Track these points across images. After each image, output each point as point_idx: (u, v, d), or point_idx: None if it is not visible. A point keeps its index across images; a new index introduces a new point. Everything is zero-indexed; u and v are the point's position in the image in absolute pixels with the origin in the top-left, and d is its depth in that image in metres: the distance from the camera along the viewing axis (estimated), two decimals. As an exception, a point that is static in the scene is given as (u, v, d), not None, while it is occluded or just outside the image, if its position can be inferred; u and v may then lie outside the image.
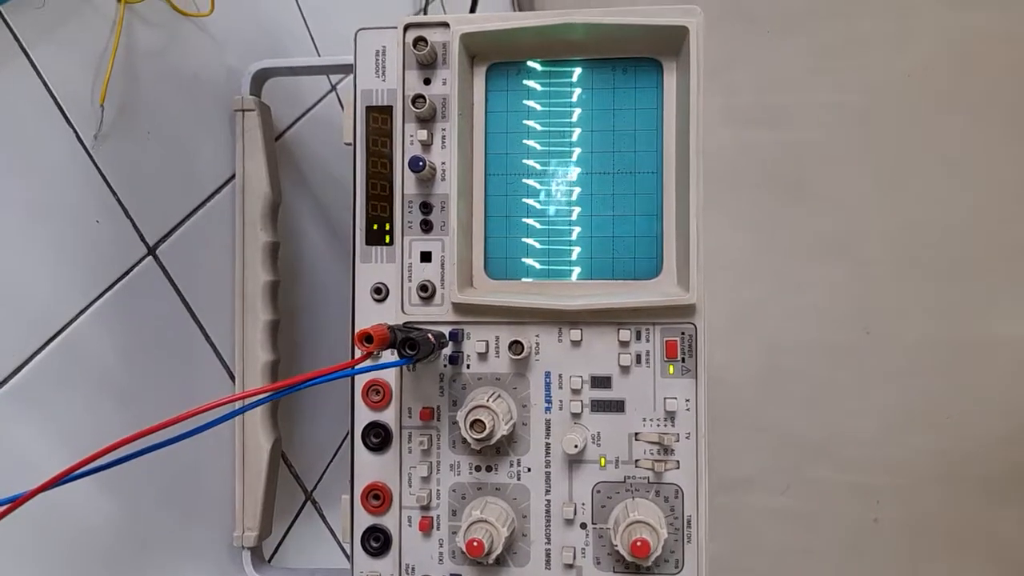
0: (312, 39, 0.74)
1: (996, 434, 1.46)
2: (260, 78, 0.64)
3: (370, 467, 0.54)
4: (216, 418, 0.42)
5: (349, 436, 0.55)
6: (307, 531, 0.74)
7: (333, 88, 0.79)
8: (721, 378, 1.43)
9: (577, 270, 0.52)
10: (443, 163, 0.52)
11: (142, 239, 0.57)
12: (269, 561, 0.68)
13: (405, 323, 0.50)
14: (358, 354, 0.44)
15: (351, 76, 0.55)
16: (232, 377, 0.64)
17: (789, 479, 1.54)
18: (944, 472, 1.50)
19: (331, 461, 0.77)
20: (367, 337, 0.42)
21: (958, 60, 1.35)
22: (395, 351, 0.45)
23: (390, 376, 0.54)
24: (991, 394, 1.46)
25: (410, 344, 0.43)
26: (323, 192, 0.74)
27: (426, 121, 0.52)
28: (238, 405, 0.43)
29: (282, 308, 0.66)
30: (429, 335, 0.46)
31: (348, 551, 0.55)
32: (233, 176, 0.65)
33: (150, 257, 0.58)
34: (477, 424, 0.47)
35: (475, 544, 0.47)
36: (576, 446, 0.49)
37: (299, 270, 0.72)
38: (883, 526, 1.58)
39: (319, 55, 0.74)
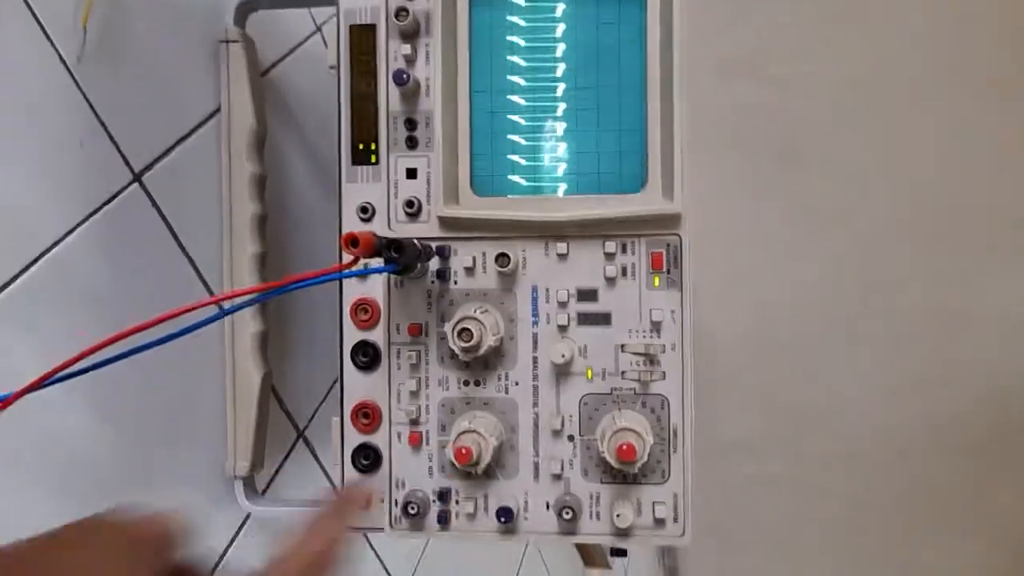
0: (296, -28, 0.74)
1: (987, 400, 1.47)
2: (244, 10, 0.64)
3: (359, 386, 0.55)
4: (201, 320, 0.42)
5: (338, 355, 0.55)
6: (299, 468, 0.75)
7: (318, 29, 0.79)
8: (715, 345, 1.44)
9: (563, 186, 0.52)
10: (427, 78, 0.52)
11: (127, 165, 0.57)
12: (262, 495, 0.68)
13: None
14: (346, 260, 0.44)
15: (335, 10, 0.54)
16: (221, 308, 0.64)
17: (782, 447, 1.56)
18: (936, 440, 1.51)
19: (323, 400, 0.77)
20: (353, 240, 0.43)
21: (958, 29, 1.35)
22: (381, 259, 0.45)
23: (378, 294, 0.54)
24: (983, 362, 1.47)
25: (396, 247, 0.43)
26: (309, 129, 0.74)
27: (410, 36, 0.52)
28: (227, 305, 0.43)
29: (270, 241, 0.66)
30: (415, 241, 0.46)
31: (340, 472, 0.56)
32: (218, 109, 0.65)
33: (136, 184, 0.58)
34: (465, 333, 0.48)
35: (463, 451, 0.47)
36: (563, 356, 0.49)
37: (287, 204, 0.72)
38: (876, 494, 1.60)
39: (303, -13, 0.74)
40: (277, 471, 0.72)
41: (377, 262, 0.45)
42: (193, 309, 0.42)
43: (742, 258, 1.41)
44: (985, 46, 1.35)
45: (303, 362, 0.75)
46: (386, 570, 0.85)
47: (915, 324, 1.42)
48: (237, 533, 0.66)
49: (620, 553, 1.09)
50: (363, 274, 0.48)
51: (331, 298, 0.56)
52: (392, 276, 0.52)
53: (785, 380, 1.49)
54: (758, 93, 1.33)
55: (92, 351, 0.41)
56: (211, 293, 0.64)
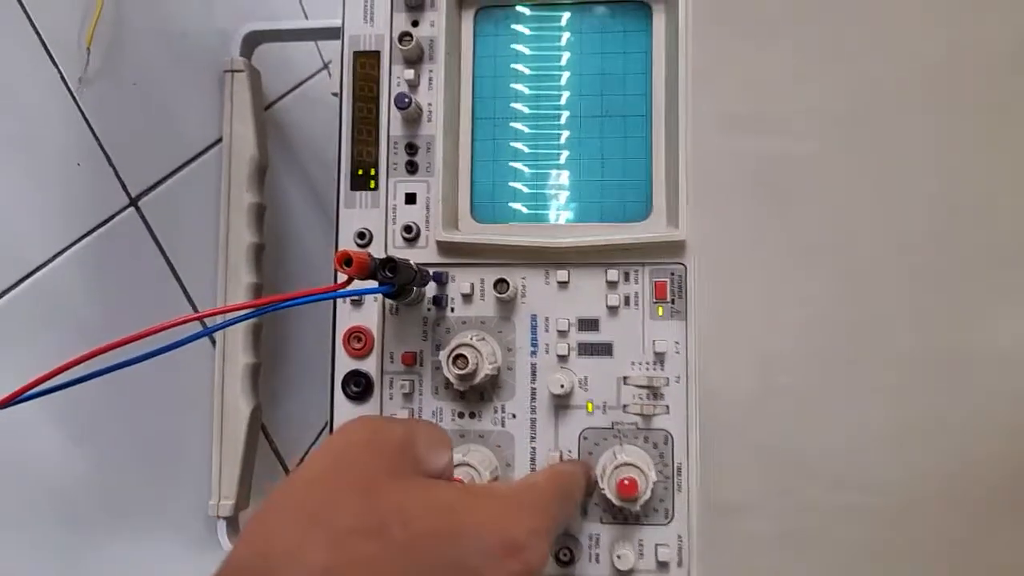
0: (303, 8, 0.75)
1: (992, 449, 1.43)
2: (251, 41, 0.64)
3: (350, 418, 0.52)
4: (184, 338, 0.41)
5: (329, 385, 0.53)
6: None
7: (325, 66, 0.79)
8: (712, 393, 1.42)
9: (565, 214, 0.51)
10: (429, 104, 0.51)
11: (124, 189, 0.57)
12: (246, 538, 0.65)
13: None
14: (340, 281, 0.43)
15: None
16: (212, 340, 0.63)
17: (782, 500, 1.51)
18: (942, 489, 1.46)
19: (315, 440, 0.75)
20: (347, 259, 0.41)
21: (944, 65, 1.36)
22: (376, 281, 0.43)
23: (372, 323, 0.52)
24: (990, 404, 1.43)
25: (390, 267, 0.42)
26: (310, 164, 0.74)
27: (413, 62, 0.51)
28: (218, 321, 0.41)
29: (266, 272, 0.64)
30: (410, 262, 0.45)
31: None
32: (220, 140, 0.65)
33: (132, 208, 0.57)
34: (460, 360, 0.46)
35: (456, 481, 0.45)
36: (562, 386, 0.47)
37: (285, 236, 0.71)
38: (880, 547, 1.54)
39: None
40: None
41: (373, 286, 0.44)
42: (176, 325, 0.40)
43: (737, 303, 1.39)
44: (979, 79, 1.35)
45: (295, 400, 0.73)
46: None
47: (914, 365, 1.39)
48: None
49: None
50: (356, 295, 0.46)
51: (326, 333, 0.55)
52: (387, 303, 0.50)
53: (783, 430, 1.45)
54: (748, 135, 1.34)
55: (69, 366, 0.39)
56: (201, 320, 0.62)
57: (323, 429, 0.72)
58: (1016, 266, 1.38)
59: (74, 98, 0.53)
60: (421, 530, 0.30)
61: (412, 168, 0.51)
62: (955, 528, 1.56)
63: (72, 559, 0.52)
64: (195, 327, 0.41)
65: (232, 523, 0.61)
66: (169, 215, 0.59)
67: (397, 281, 0.43)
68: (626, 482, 0.44)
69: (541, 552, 0.33)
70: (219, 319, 0.43)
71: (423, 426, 0.37)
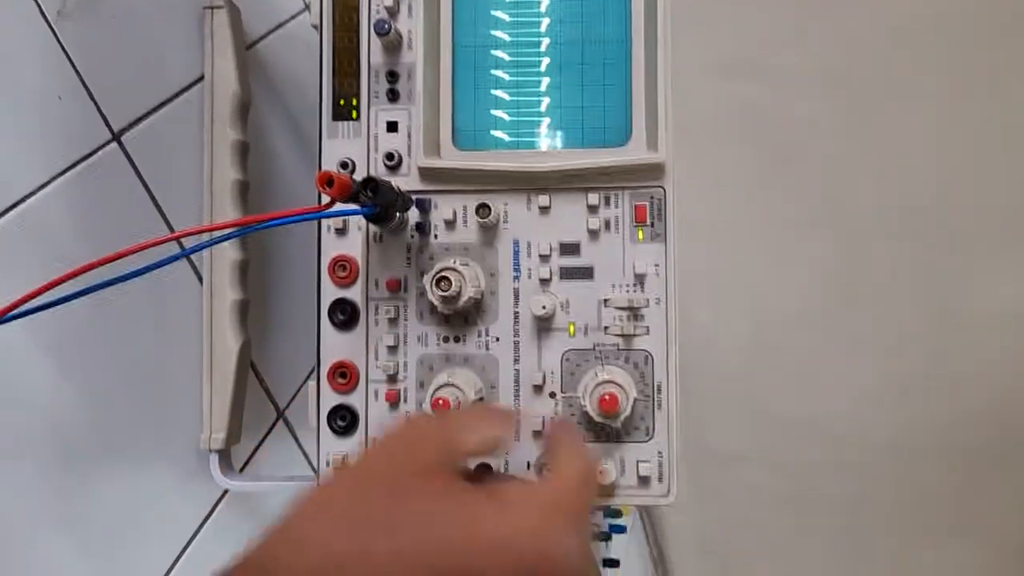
0: (284, -56, 0.74)
1: (984, 402, 1.45)
2: (230, -23, 0.64)
3: (336, 345, 0.53)
4: (162, 259, 0.41)
5: (316, 313, 0.54)
6: (278, 449, 0.73)
7: (307, 7, 0.78)
8: (705, 349, 1.42)
9: (546, 141, 0.51)
10: (409, 31, 0.51)
11: (106, 123, 0.57)
12: (240, 472, 0.66)
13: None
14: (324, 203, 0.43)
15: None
16: (199, 277, 0.63)
17: (774, 456, 1.53)
18: (932, 446, 1.49)
19: (305, 380, 0.76)
20: (328, 180, 0.42)
21: (943, 23, 1.36)
22: (357, 203, 0.44)
23: (357, 252, 0.53)
24: (978, 366, 1.45)
25: (372, 187, 0.42)
26: (294, 103, 0.74)
27: (393, -12, 0.51)
28: (205, 238, 0.42)
29: (251, 209, 0.65)
30: (392, 184, 0.45)
31: (316, 435, 0.54)
32: (202, 77, 0.64)
33: (115, 143, 0.57)
34: (443, 282, 0.47)
35: (441, 403, 0.46)
36: (544, 307, 0.48)
37: (269, 175, 0.71)
38: (871, 501, 1.57)
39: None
40: (255, 451, 0.70)
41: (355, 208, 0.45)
42: (154, 245, 0.41)
43: (733, 259, 1.40)
44: (977, 41, 1.35)
45: (285, 340, 0.74)
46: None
47: (908, 325, 1.40)
48: (213, 509, 0.64)
49: (612, 564, 1.07)
50: (338, 215, 0.47)
51: (313, 271, 0.55)
52: (371, 230, 0.51)
53: (776, 386, 1.47)
54: (743, 85, 1.33)
55: (52, 285, 0.40)
56: (191, 264, 0.62)
57: (312, 369, 0.74)
58: (1009, 228, 1.38)
59: (53, 31, 0.53)
60: (439, 536, 0.32)
61: (393, 96, 0.52)
62: (947, 480, 1.58)
63: (66, 494, 0.53)
64: (175, 248, 0.42)
65: (224, 456, 0.62)
66: (153, 151, 0.59)
67: (379, 202, 0.44)
68: (607, 397, 0.45)
69: (572, 562, 0.33)
70: (204, 239, 0.44)
71: (462, 415, 0.41)
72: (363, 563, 0.31)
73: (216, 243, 0.41)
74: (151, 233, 0.60)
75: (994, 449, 1.45)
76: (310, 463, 0.76)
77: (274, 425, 0.73)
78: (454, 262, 0.48)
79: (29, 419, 0.51)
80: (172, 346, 0.62)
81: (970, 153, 1.33)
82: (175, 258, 0.41)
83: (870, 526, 1.52)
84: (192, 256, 0.64)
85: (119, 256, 0.39)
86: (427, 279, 0.47)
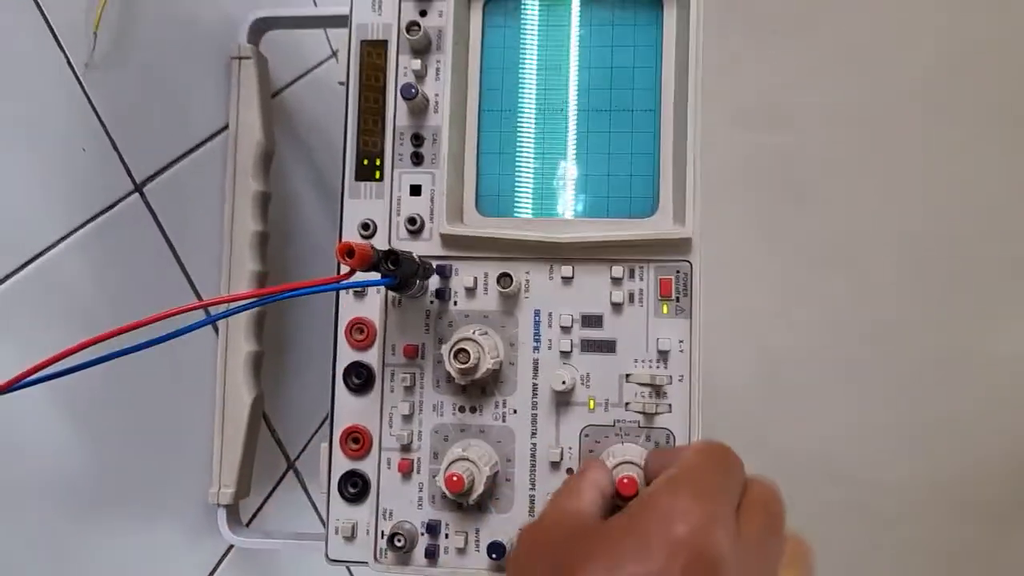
0: (313, -4, 0.75)
1: (995, 450, 1.42)
2: (258, 28, 0.64)
3: (350, 409, 0.52)
4: (187, 326, 0.41)
5: (330, 376, 0.53)
6: (287, 501, 0.72)
7: (333, 54, 0.79)
8: (719, 388, 1.40)
9: (571, 209, 0.50)
10: (436, 95, 0.51)
11: (129, 175, 0.56)
12: (246, 527, 0.65)
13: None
14: (343, 271, 0.43)
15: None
16: (216, 328, 0.63)
17: (784, 493, 1.50)
18: (943, 492, 1.46)
19: (316, 431, 0.75)
20: (349, 251, 0.41)
21: (960, 66, 1.35)
22: (378, 272, 0.43)
23: (375, 314, 0.52)
24: (992, 408, 1.42)
25: (393, 259, 0.42)
26: (317, 152, 0.74)
27: (420, 52, 0.51)
28: (221, 309, 0.41)
29: (270, 261, 0.64)
30: (413, 255, 0.44)
31: (326, 500, 0.53)
32: (226, 127, 0.64)
33: (136, 194, 0.57)
34: (462, 354, 0.46)
35: (455, 479, 0.45)
36: (564, 382, 0.47)
37: (289, 225, 0.70)
38: (883, 551, 1.53)
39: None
40: (264, 503, 0.69)
41: (375, 278, 0.44)
42: (180, 312, 0.40)
43: (745, 299, 1.38)
44: (998, 85, 1.34)
45: (297, 391, 0.73)
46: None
47: (921, 367, 1.38)
48: (218, 565, 0.63)
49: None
50: (358, 286, 0.46)
51: (329, 323, 0.54)
52: (390, 295, 0.50)
53: (787, 423, 1.45)
54: (763, 132, 1.33)
55: (72, 351, 0.39)
56: (206, 309, 0.62)
57: (324, 419, 0.72)
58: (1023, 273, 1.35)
59: (80, 83, 0.53)
60: (589, 568, 0.32)
61: (417, 159, 0.51)
62: (956, 530, 1.54)
63: (70, 546, 0.52)
64: (198, 315, 0.41)
65: (232, 511, 0.61)
66: (174, 202, 0.59)
67: (400, 273, 0.43)
68: (625, 480, 0.43)
69: (715, 541, 0.32)
70: (223, 308, 0.43)
71: (561, 487, 0.40)
72: None
73: (239, 311, 0.41)
74: (170, 285, 0.60)
75: (1008, 498, 1.41)
76: (319, 516, 0.74)
77: (284, 476, 0.72)
78: (473, 332, 0.47)
79: (35, 469, 0.50)
80: (184, 397, 0.62)
81: (985, 196, 1.32)
82: (199, 325, 0.40)
83: (876, 572, 1.49)
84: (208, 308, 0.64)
85: (143, 324, 0.39)
86: (445, 349, 0.46)
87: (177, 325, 0.41)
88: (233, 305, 0.41)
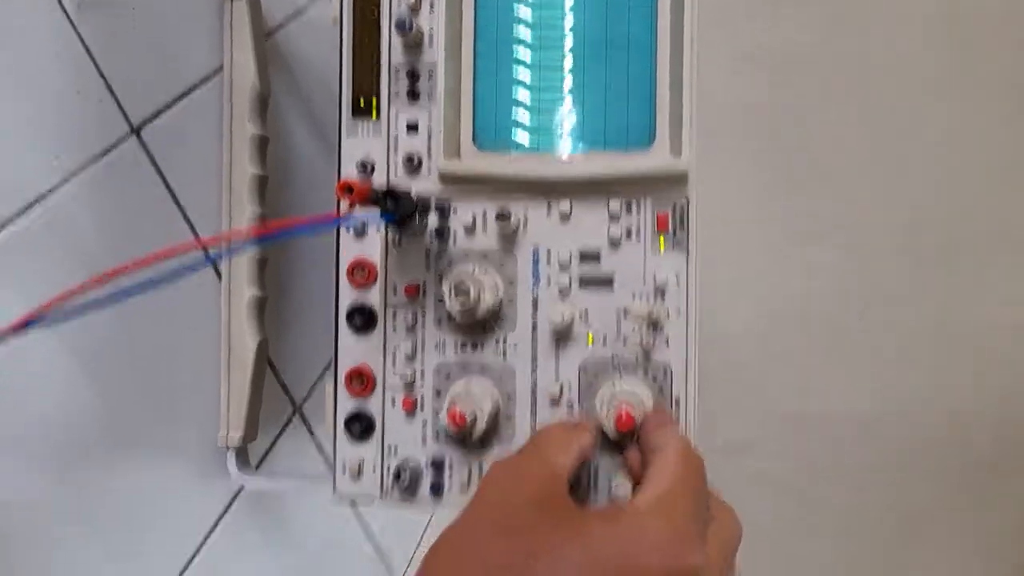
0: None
1: (986, 417, 1.43)
2: (250, -32, 0.63)
3: (354, 350, 0.53)
4: (186, 266, 0.41)
5: (333, 318, 0.53)
6: (294, 445, 0.73)
7: (328, -4, 0.77)
8: (715, 341, 1.41)
9: (568, 142, 0.50)
10: (431, 28, 0.50)
11: (125, 118, 0.56)
12: (256, 469, 0.67)
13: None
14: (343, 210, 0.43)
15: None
16: (218, 273, 0.63)
17: (779, 450, 1.52)
18: (934, 455, 1.48)
19: (321, 375, 0.76)
20: (348, 188, 0.41)
21: (964, 37, 1.33)
22: (377, 208, 0.43)
23: (375, 255, 0.52)
24: (983, 376, 1.43)
25: (391, 196, 0.42)
26: (313, 94, 0.73)
27: (414, -14, 0.50)
28: (222, 248, 0.41)
29: (269, 204, 0.64)
30: (411, 193, 0.44)
31: (332, 439, 0.54)
32: (221, 68, 0.64)
33: (134, 137, 0.57)
34: (462, 291, 0.46)
35: (457, 416, 0.45)
36: (563, 316, 0.47)
37: (288, 168, 0.70)
38: (873, 506, 1.56)
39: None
40: (272, 446, 0.71)
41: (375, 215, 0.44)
42: (178, 252, 0.40)
43: (745, 263, 1.38)
44: (997, 56, 1.32)
45: (301, 336, 0.73)
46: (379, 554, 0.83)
47: (914, 334, 1.39)
48: (229, 506, 0.65)
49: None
50: (358, 222, 0.46)
51: (331, 268, 0.54)
52: (390, 235, 0.50)
53: (785, 383, 1.46)
54: (761, 93, 1.31)
55: (71, 294, 0.39)
56: (204, 248, 0.62)
57: (328, 364, 0.73)
58: (1019, 241, 1.35)
59: (73, 24, 0.52)
60: (560, 562, 0.33)
61: (414, 96, 0.50)
62: (949, 489, 1.56)
63: (80, 483, 0.53)
64: (197, 255, 0.41)
65: (241, 453, 0.62)
66: (172, 145, 0.59)
67: (398, 211, 0.43)
68: (624, 415, 0.44)
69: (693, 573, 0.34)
70: (223, 246, 0.43)
71: (550, 434, 0.42)
72: None
73: (239, 250, 0.41)
74: (170, 228, 0.60)
75: (996, 460, 1.43)
76: (325, 459, 0.76)
77: (290, 420, 0.73)
78: (473, 270, 0.47)
79: (44, 412, 0.51)
80: (189, 343, 0.62)
81: (981, 166, 1.31)
82: (199, 266, 0.40)
83: (870, 528, 1.52)
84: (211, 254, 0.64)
85: (142, 264, 0.39)
86: (445, 288, 0.46)
87: (178, 269, 0.42)
88: (233, 244, 0.41)
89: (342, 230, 0.53)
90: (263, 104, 0.64)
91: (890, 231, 1.35)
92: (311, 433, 0.75)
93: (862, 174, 1.33)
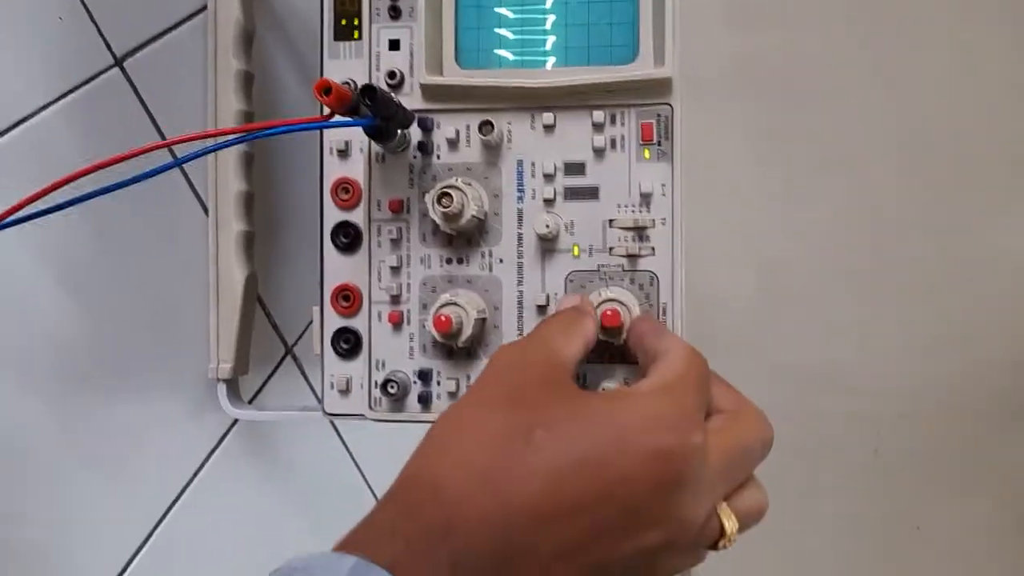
0: None
1: (1002, 357, 1.43)
2: (232, -99, 0.63)
3: (339, 269, 0.53)
4: (154, 168, 0.41)
5: (319, 238, 0.53)
6: (286, 386, 0.73)
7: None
8: (720, 301, 1.41)
9: (552, 59, 0.50)
10: (412, -56, 0.50)
11: (108, 48, 0.56)
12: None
13: (371, 99, 0.48)
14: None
15: None
16: (205, 208, 0.63)
17: (787, 409, 1.52)
18: (948, 399, 1.47)
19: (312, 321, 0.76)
20: (326, 88, 0.41)
21: None
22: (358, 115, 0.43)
23: (359, 174, 0.52)
24: (998, 314, 1.42)
25: (370, 94, 0.42)
26: (297, 33, 0.73)
27: (394, -99, 0.50)
28: (205, 144, 0.41)
29: (257, 143, 0.64)
30: (391, 95, 0.44)
31: (320, 359, 0.54)
32: (205, 7, 0.64)
33: (117, 68, 0.57)
34: (445, 198, 0.46)
35: (443, 319, 0.46)
36: (547, 226, 0.47)
37: (273, 105, 0.70)
38: (884, 458, 1.56)
39: None
40: (263, 385, 0.71)
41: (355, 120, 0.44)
42: (146, 151, 0.40)
43: (743, 210, 1.38)
44: None
45: (292, 277, 0.73)
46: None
47: (924, 273, 1.38)
48: (222, 440, 0.65)
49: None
50: (337, 126, 0.46)
51: (313, 192, 0.55)
52: (373, 150, 0.50)
53: (789, 338, 1.45)
54: (760, 34, 1.30)
55: (41, 194, 0.40)
56: (193, 188, 0.62)
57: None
58: None
59: (52, -50, 0.52)
60: (563, 434, 0.33)
61: (395, 13, 0.51)
62: (963, 435, 1.55)
63: (72, 409, 0.54)
64: (164, 154, 0.42)
65: (232, 386, 0.63)
66: (156, 79, 0.59)
67: (379, 113, 0.43)
68: (609, 312, 0.44)
69: (691, 456, 0.34)
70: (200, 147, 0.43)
71: (553, 323, 0.42)
72: (503, 473, 0.32)
73: (215, 150, 0.41)
74: (153, 159, 0.60)
75: (1012, 404, 1.43)
76: (317, 398, 0.76)
77: (282, 361, 0.73)
78: (456, 180, 0.47)
79: (35, 340, 0.51)
80: (180, 278, 0.62)
81: (988, 91, 1.29)
82: (168, 167, 0.40)
83: (883, 480, 1.51)
84: (198, 189, 0.64)
85: (113, 162, 0.39)
86: (429, 196, 0.47)
87: (151, 169, 0.42)
88: (209, 144, 0.41)
89: (325, 150, 0.53)
90: (248, 40, 0.64)
91: (893, 163, 1.33)
92: (304, 374, 0.75)
93: (860, 105, 1.32)
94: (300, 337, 0.75)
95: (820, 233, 1.42)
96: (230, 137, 0.41)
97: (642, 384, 0.38)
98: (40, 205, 0.39)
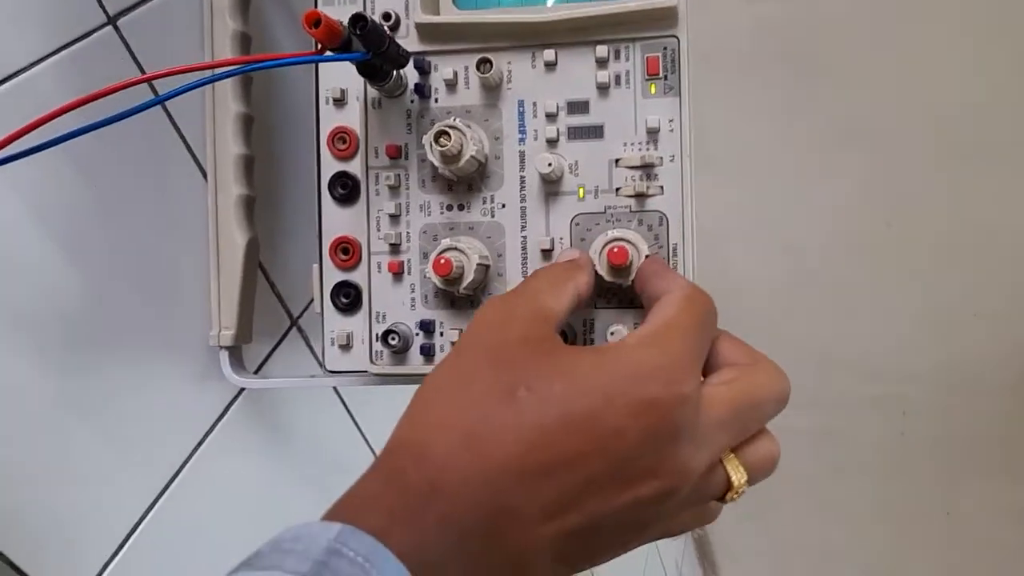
0: None
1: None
2: None
3: (338, 221, 0.51)
4: (136, 106, 0.39)
5: (316, 189, 0.52)
6: (291, 358, 0.72)
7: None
8: (739, 283, 1.38)
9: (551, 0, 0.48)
10: None
11: (101, 6, 0.55)
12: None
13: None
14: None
15: None
16: (203, 172, 0.62)
17: (812, 393, 1.48)
18: (973, 378, 1.43)
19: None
20: (315, 20, 0.40)
21: None
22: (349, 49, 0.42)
23: (356, 123, 0.51)
24: (1020, 288, 1.38)
25: (360, 24, 0.40)
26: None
27: None
28: (202, 75, 0.40)
29: (254, 102, 0.63)
30: (384, 29, 0.43)
31: (320, 316, 0.53)
32: (201, -33, 0.62)
33: (110, 27, 0.55)
34: (443, 137, 0.44)
35: (442, 262, 0.44)
36: (550, 164, 0.45)
37: (271, 71, 0.69)
38: (910, 440, 1.52)
39: None
40: (268, 356, 0.69)
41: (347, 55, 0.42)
42: (124, 87, 0.39)
43: (764, 191, 1.35)
44: None
45: (296, 249, 0.72)
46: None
47: (948, 249, 1.34)
48: (227, 409, 0.64)
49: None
50: (328, 60, 0.44)
51: (311, 147, 0.53)
52: (369, 95, 0.49)
53: (812, 319, 1.42)
54: (777, 9, 1.27)
55: (20, 134, 0.38)
56: (189, 149, 0.61)
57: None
58: None
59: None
60: (546, 391, 0.32)
61: (389, -47, 0.49)
62: (991, 415, 1.51)
63: (72, 377, 0.52)
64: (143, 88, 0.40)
65: (234, 353, 0.61)
66: (151, 39, 0.58)
67: (370, 46, 0.41)
68: (615, 249, 0.42)
69: (681, 404, 0.32)
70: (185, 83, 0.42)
71: (542, 276, 0.41)
72: (486, 433, 0.32)
73: (200, 85, 0.39)
74: (150, 120, 0.59)
75: None
76: (322, 367, 0.74)
77: (287, 333, 0.72)
78: (455, 120, 0.46)
79: (36, 308, 0.50)
80: (180, 244, 0.61)
81: (1007, 62, 1.26)
82: (149, 105, 0.39)
83: (911, 463, 1.48)
84: (197, 153, 0.63)
85: (88, 100, 0.38)
86: (427, 137, 0.45)
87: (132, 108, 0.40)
88: (218, 70, 0.39)
89: (321, 100, 0.52)
90: (244, 2, 0.62)
91: (914, 136, 1.30)
92: (309, 347, 0.73)
93: (878, 79, 1.29)
94: (305, 309, 0.73)
95: (845, 213, 1.39)
96: (219, 71, 0.39)
97: (631, 336, 0.36)
98: (23, 145, 0.38)
